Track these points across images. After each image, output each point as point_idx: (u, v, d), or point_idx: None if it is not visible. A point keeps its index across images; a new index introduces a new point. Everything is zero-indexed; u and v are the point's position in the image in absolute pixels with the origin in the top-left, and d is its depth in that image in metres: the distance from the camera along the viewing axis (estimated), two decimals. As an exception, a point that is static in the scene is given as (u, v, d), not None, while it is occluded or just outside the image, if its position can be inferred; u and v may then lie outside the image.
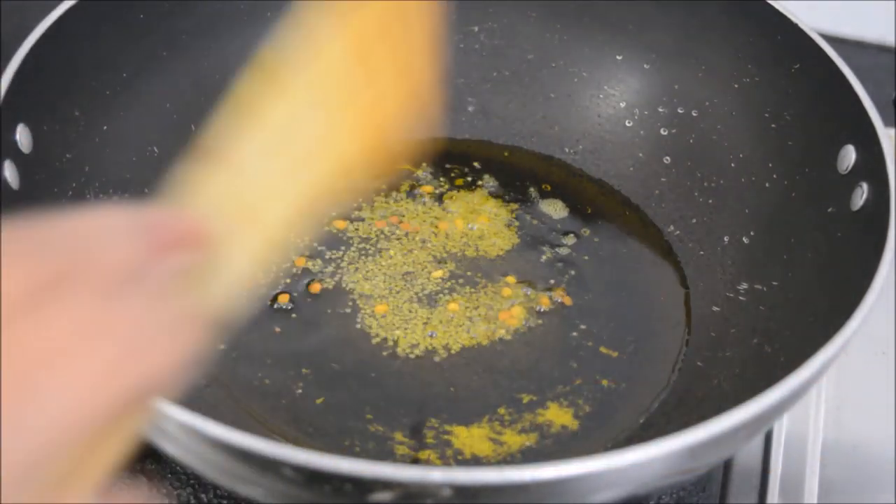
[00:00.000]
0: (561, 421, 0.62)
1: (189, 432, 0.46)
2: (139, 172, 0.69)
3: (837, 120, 0.64)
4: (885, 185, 0.58)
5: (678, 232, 0.72)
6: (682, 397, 0.63)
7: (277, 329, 0.66)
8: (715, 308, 0.67)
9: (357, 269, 0.69)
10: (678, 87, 0.74)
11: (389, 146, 0.44)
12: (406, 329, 0.66)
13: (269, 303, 0.67)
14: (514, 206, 0.74)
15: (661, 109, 0.75)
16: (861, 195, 0.60)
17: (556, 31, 0.77)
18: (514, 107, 0.78)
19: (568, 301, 0.68)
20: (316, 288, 0.68)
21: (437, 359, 0.65)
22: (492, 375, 0.64)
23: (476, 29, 0.78)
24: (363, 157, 0.42)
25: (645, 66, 0.75)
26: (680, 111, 0.74)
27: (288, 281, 0.68)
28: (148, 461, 0.63)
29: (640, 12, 0.74)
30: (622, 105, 0.76)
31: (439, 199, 0.74)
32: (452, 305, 0.68)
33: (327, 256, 0.70)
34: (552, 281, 0.69)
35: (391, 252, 0.70)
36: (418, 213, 0.73)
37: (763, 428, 0.63)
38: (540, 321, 0.67)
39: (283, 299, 0.67)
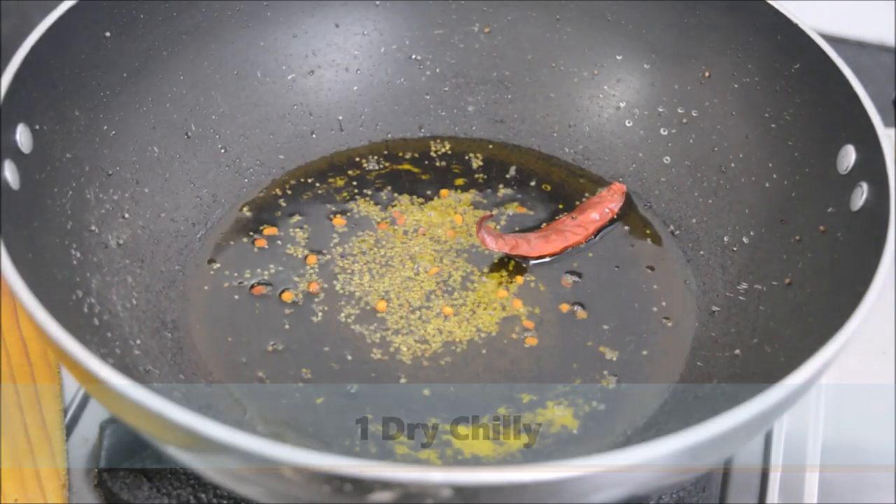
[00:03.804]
0: (561, 421, 0.62)
1: (189, 432, 0.46)
2: (139, 172, 0.69)
3: (837, 120, 0.64)
4: (885, 185, 0.58)
5: (678, 232, 0.72)
6: (682, 397, 0.63)
7: (278, 329, 0.66)
8: (715, 308, 0.67)
9: (356, 268, 0.69)
10: (678, 87, 0.74)
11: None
12: (406, 328, 0.66)
13: (269, 303, 0.67)
14: (514, 206, 0.74)
15: (661, 109, 0.75)
16: (861, 195, 0.60)
17: (556, 31, 0.77)
18: (514, 107, 0.78)
19: (568, 301, 0.68)
20: (315, 288, 0.68)
21: (437, 359, 0.65)
22: (492, 375, 0.64)
23: (476, 29, 0.78)
24: None
25: (645, 66, 0.75)
26: (680, 111, 0.74)
27: (288, 280, 0.68)
28: (148, 461, 0.63)
29: (640, 12, 0.74)
30: (622, 105, 0.76)
31: (439, 198, 0.74)
32: (452, 305, 0.68)
33: (327, 256, 0.70)
34: (552, 281, 0.69)
35: (390, 252, 0.70)
36: (418, 213, 0.73)
37: (763, 428, 0.63)
38: (540, 321, 0.67)
39: (287, 297, 0.67)
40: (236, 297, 0.68)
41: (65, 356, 0.50)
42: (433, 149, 0.77)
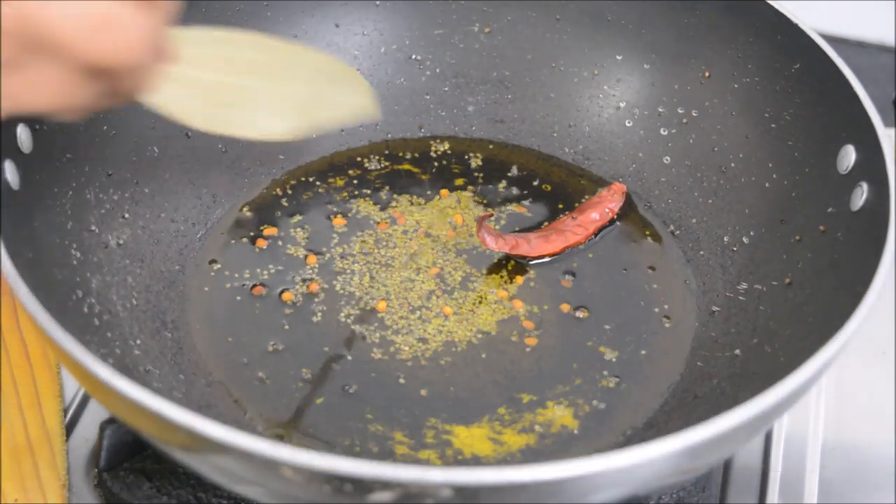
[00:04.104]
0: (561, 421, 0.62)
1: (189, 432, 0.46)
2: (139, 172, 0.69)
3: (837, 120, 0.64)
4: (885, 185, 0.58)
5: (678, 232, 0.72)
6: (682, 397, 0.63)
7: (278, 329, 0.66)
8: (715, 308, 0.67)
9: (356, 268, 0.69)
10: (678, 87, 0.74)
11: None
12: (406, 328, 0.66)
13: (269, 303, 0.67)
14: (514, 206, 0.74)
15: (661, 109, 0.75)
16: (861, 195, 0.61)
17: (556, 31, 0.77)
18: (514, 107, 0.78)
19: (568, 301, 0.68)
20: (315, 288, 0.68)
21: (437, 359, 0.65)
22: (492, 375, 0.64)
23: (476, 29, 0.78)
24: None
25: (645, 66, 0.75)
26: (680, 111, 0.74)
27: (288, 280, 0.68)
28: (148, 461, 0.63)
29: (640, 12, 0.74)
30: (622, 105, 0.76)
31: (439, 198, 0.74)
32: (452, 305, 0.68)
33: (327, 256, 0.70)
34: (552, 281, 0.69)
35: (390, 251, 0.70)
36: (418, 213, 0.73)
37: (763, 428, 0.63)
38: (540, 321, 0.67)
39: (287, 297, 0.67)
40: (236, 297, 0.67)
41: (65, 356, 0.50)
42: (433, 149, 0.77)
